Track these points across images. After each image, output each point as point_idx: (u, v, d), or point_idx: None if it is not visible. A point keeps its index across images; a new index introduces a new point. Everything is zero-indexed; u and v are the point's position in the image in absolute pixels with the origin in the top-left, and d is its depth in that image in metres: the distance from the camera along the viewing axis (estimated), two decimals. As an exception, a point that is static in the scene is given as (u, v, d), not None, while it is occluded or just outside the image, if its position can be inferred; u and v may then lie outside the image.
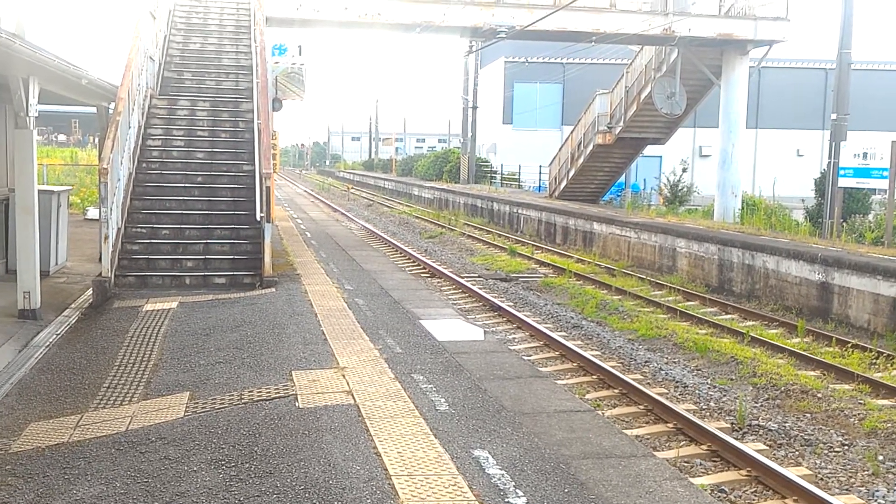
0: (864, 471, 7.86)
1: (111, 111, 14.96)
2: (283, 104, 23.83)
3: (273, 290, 12.86)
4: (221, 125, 16.87)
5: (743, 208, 25.15)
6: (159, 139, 16.23)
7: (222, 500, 5.17)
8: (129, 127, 14.48)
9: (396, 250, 23.61)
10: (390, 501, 5.08)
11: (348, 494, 5.17)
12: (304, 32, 26.69)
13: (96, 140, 28.23)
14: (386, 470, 5.56)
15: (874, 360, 11.79)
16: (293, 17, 22.97)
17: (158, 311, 11.28)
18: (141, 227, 14.06)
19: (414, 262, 21.26)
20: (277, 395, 7.34)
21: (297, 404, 7.04)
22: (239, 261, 13.81)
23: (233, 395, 7.43)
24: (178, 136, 16.38)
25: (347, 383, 7.65)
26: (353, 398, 7.19)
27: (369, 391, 7.40)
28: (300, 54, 24.49)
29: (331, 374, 8.00)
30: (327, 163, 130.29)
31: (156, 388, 7.83)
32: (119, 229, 13.39)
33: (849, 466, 8.00)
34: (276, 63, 23.25)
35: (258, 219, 13.66)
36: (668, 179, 31.31)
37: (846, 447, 8.51)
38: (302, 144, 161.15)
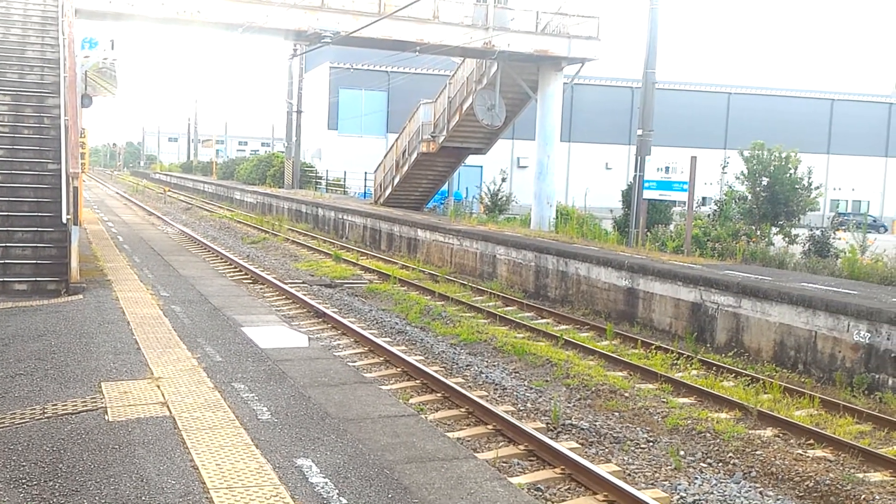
0: (667, 465, 8.40)
1: None
2: (93, 100, 22.57)
3: (81, 297, 12.14)
4: (24, 121, 15.72)
5: (557, 217, 26.28)
6: (-49, 134, 14.90)
7: (22, 524, 4.81)
8: (-84, 119, 13.21)
9: (217, 256, 22.88)
10: (208, 515, 4.91)
11: (163, 510, 4.95)
12: (119, 26, 25.41)
13: None
14: (204, 483, 5.37)
15: (675, 361, 12.65)
16: (105, 10, 21.79)
17: (-52, 320, 10.34)
18: (-72, 229, 12.85)
19: (235, 267, 20.68)
20: (85, 408, 6.92)
21: (106, 417, 6.66)
22: (43, 266, 12.92)
23: (35, 409, 6.92)
24: (-26, 131, 15.10)
25: (162, 394, 7.33)
26: (169, 409, 6.89)
27: (186, 402, 7.12)
28: (113, 49, 23.28)
29: (144, 384, 7.64)
30: (142, 164, 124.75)
31: (-55, 404, 7.16)
32: None
33: (654, 462, 8.52)
34: (87, 57, 21.97)
35: (64, 221, 12.85)
36: (488, 189, 32.24)
37: (651, 443, 9.06)
38: (114, 144, 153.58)
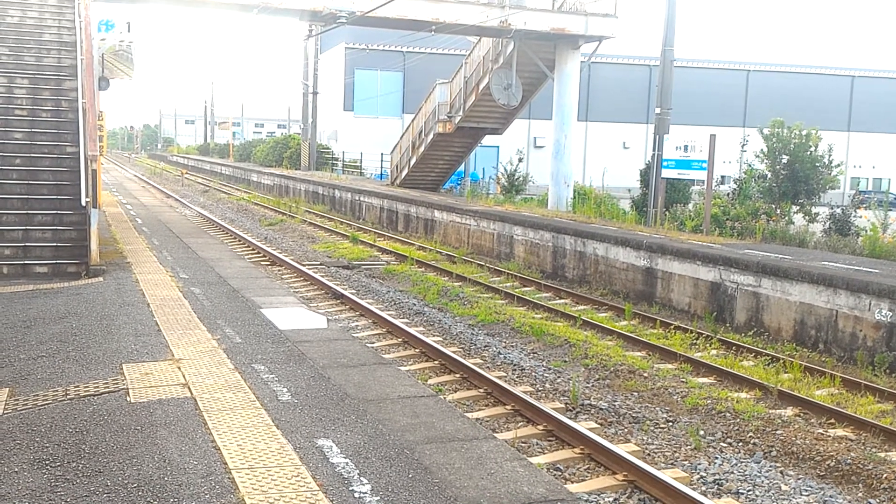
0: (686, 445, 8.38)
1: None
2: (110, 83, 22.59)
3: (101, 279, 12.22)
4: (42, 104, 15.80)
5: (575, 197, 26.15)
6: (-29, 117, 14.99)
7: (47, 502, 4.85)
8: (-64, 103, 13.29)
9: (235, 238, 22.97)
10: (230, 496, 4.94)
11: (185, 491, 4.98)
12: (135, 8, 25.36)
13: None
14: (225, 464, 5.40)
15: (695, 341, 12.59)
16: (121, -8, 21.81)
17: (-29, 303, 10.44)
18: (-50, 213, 12.96)
19: (253, 249, 20.76)
20: (107, 389, 6.97)
21: (128, 399, 6.71)
22: (63, 248, 13.02)
23: (57, 390, 6.99)
24: (-7, 114, 15.19)
25: (183, 375, 7.38)
26: (190, 391, 6.93)
27: (207, 383, 7.16)
28: (129, 31, 23.33)
29: (165, 366, 7.69)
30: (159, 146, 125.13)
31: (-31, 386, 7.24)
32: (-76, 215, 12.28)
33: (673, 442, 8.50)
34: (103, 40, 22.03)
35: (83, 204, 12.93)
36: (505, 169, 32.12)
37: (670, 423, 9.03)
38: (131, 127, 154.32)
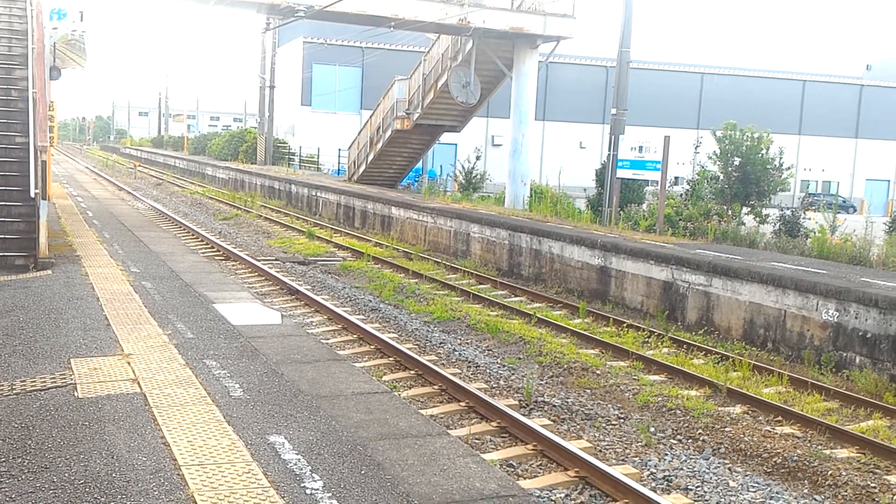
0: (637, 442, 8.48)
1: None
2: (61, 73, 22.13)
3: (49, 272, 11.99)
4: (-10, 93, 15.42)
5: (531, 196, 26.27)
6: (-85, 105, 14.58)
7: (-10, 501, 4.76)
8: None
9: (188, 232, 22.67)
10: (180, 492, 4.89)
11: (133, 487, 4.91)
12: (87, -3, 24.87)
13: None
14: (175, 460, 5.34)
15: (647, 339, 12.75)
16: (74, -20, 21.35)
17: (-87, 295, 10.18)
18: None
19: (207, 244, 20.51)
20: (54, 384, 6.84)
21: (76, 394, 6.60)
22: (10, 241, 12.74)
23: (3, 385, 6.84)
24: (-62, 102, 14.79)
25: (133, 371, 7.27)
26: (140, 386, 6.84)
27: (157, 379, 7.07)
28: (82, 20, 22.85)
29: (114, 361, 7.57)
30: (112, 138, 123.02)
31: None
32: None
33: (625, 438, 8.60)
34: (55, 29, 21.55)
35: (32, 196, 12.67)
36: (462, 167, 32.15)
37: (622, 420, 9.14)
38: (84, 118, 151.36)
